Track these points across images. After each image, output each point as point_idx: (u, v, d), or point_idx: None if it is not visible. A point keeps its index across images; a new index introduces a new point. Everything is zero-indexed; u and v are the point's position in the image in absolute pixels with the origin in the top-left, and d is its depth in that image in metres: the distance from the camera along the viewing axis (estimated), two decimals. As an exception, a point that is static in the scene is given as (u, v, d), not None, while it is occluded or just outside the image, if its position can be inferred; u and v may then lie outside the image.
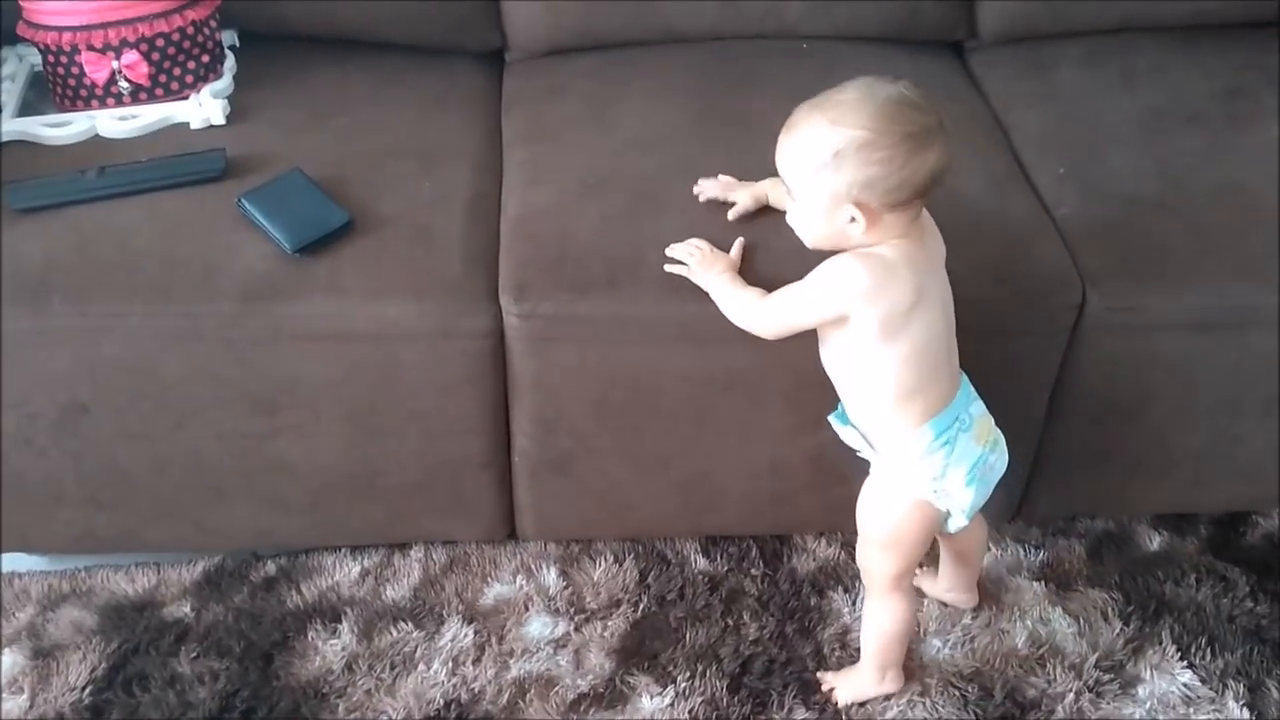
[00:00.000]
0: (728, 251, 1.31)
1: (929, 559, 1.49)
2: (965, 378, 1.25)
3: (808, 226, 1.17)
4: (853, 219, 1.12)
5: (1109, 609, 1.54)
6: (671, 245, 1.32)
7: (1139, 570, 1.60)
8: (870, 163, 1.08)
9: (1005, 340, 1.38)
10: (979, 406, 1.25)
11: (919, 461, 1.21)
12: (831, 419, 1.29)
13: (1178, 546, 1.65)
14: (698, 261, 1.29)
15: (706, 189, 1.39)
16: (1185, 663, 1.49)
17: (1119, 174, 1.49)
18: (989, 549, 1.62)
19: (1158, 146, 1.53)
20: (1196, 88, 1.64)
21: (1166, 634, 1.52)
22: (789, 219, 1.19)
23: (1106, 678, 1.47)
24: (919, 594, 1.52)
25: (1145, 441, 1.50)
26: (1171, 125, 1.57)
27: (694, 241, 1.32)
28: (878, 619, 1.37)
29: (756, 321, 1.24)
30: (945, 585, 1.51)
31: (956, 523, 1.27)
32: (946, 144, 1.11)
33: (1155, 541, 1.65)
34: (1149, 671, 1.48)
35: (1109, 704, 1.45)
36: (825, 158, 1.09)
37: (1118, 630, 1.52)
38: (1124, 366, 1.42)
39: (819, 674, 1.46)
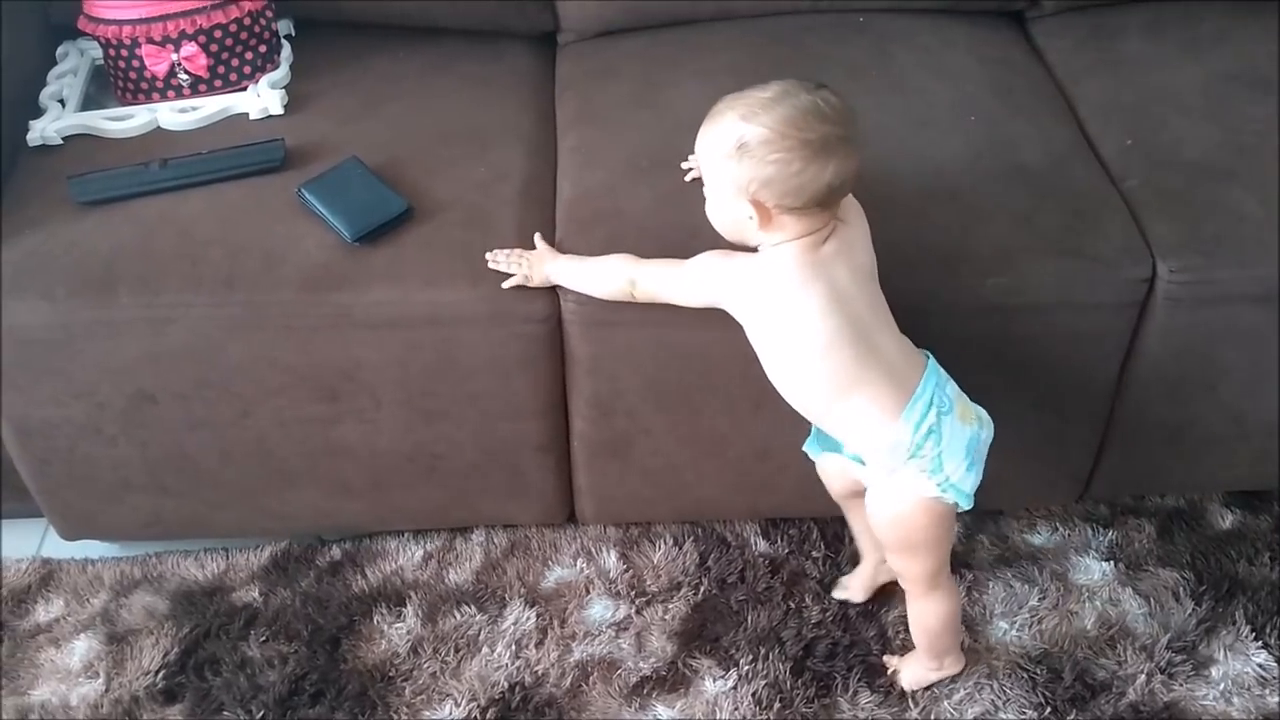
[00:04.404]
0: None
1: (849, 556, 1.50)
2: (932, 360, 1.21)
3: (715, 215, 1.18)
4: (750, 216, 1.12)
5: (1180, 589, 1.51)
6: (488, 256, 1.32)
7: (1211, 549, 1.57)
8: (767, 161, 1.09)
9: (1073, 314, 1.35)
10: (954, 387, 1.21)
11: (909, 460, 1.17)
12: (806, 449, 1.28)
13: (1251, 524, 1.61)
14: (526, 265, 1.30)
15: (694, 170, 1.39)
16: (1260, 643, 1.46)
17: (1187, 143, 1.45)
18: (1057, 528, 1.59)
19: (1226, 114, 1.49)
20: (1264, 53, 1.59)
21: (1240, 614, 1.48)
22: (706, 207, 1.19)
23: (1179, 659, 1.44)
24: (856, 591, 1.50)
25: (1217, 416, 1.47)
26: (1240, 92, 1.53)
27: (511, 250, 1.32)
28: (923, 619, 1.35)
29: (624, 286, 1.25)
30: (872, 564, 1.47)
31: (962, 507, 1.22)
32: (849, 158, 1.11)
33: (1227, 519, 1.62)
34: (1222, 652, 1.45)
35: (1181, 686, 1.42)
36: (730, 149, 1.10)
37: (1190, 610, 1.49)
38: (1195, 340, 1.38)
39: (885, 657, 1.44)
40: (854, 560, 1.53)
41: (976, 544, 1.58)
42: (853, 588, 1.50)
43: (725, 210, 1.15)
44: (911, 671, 1.42)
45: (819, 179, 1.10)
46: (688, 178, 1.38)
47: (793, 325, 1.16)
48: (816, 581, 1.53)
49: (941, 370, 1.21)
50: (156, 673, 1.45)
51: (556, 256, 1.31)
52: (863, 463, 1.23)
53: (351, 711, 1.41)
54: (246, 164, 1.40)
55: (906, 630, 1.46)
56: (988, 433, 1.22)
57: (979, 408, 1.23)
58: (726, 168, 1.12)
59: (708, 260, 1.20)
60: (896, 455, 1.18)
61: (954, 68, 1.58)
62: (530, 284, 1.30)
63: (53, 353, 1.33)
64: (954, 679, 1.42)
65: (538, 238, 1.34)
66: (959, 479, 1.19)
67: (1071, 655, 1.45)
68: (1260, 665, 1.43)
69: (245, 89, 1.53)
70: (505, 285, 1.31)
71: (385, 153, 1.43)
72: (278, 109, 1.50)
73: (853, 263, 1.17)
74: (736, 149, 1.10)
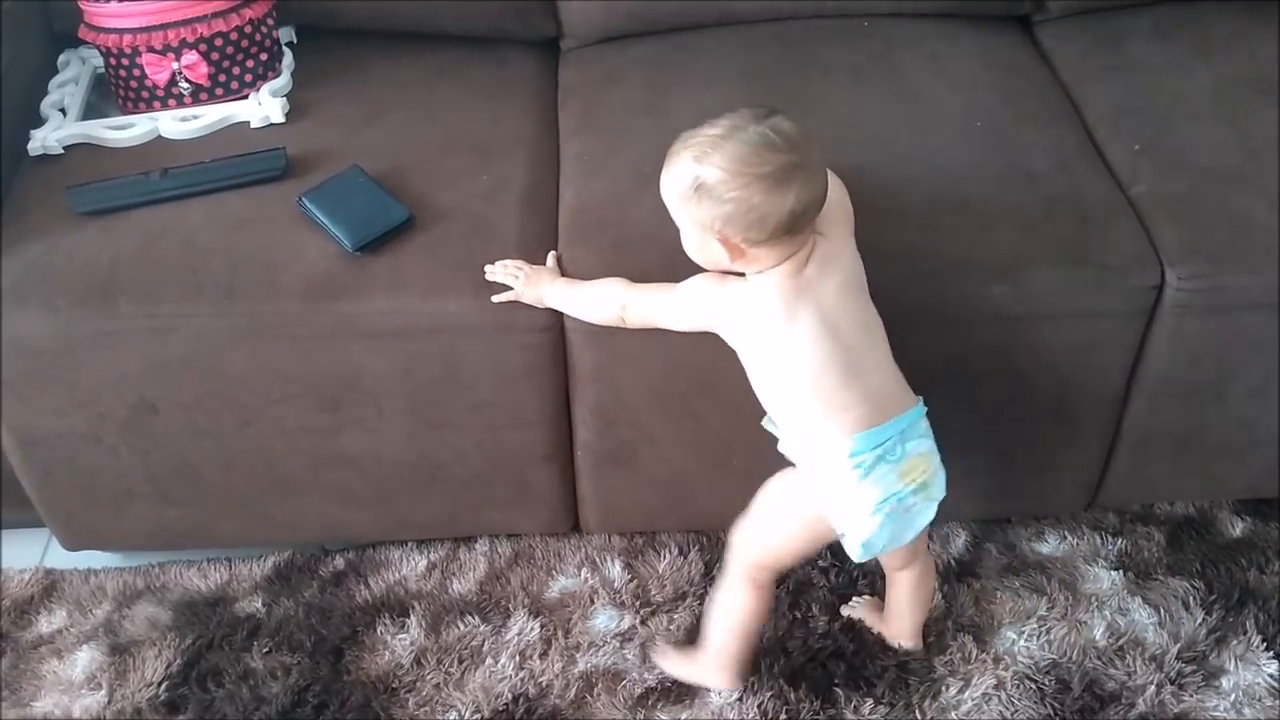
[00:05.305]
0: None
1: (879, 590, 1.47)
2: (922, 414, 1.19)
3: (691, 252, 1.19)
4: (721, 252, 1.14)
5: (1190, 598, 1.50)
6: (488, 268, 1.31)
7: (1221, 557, 1.56)
8: (724, 200, 1.10)
9: (1081, 322, 1.34)
10: (921, 446, 1.19)
11: (832, 468, 1.17)
12: (764, 422, 1.28)
13: (1261, 532, 1.60)
14: (522, 280, 1.29)
15: None
16: (1271, 653, 1.44)
17: (1196, 148, 1.44)
18: (1065, 537, 1.58)
19: (1235, 119, 1.48)
20: (1273, 57, 1.58)
21: (1251, 623, 1.47)
22: (682, 243, 1.20)
23: (1189, 669, 1.43)
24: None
25: (1226, 424, 1.46)
26: (1249, 96, 1.52)
27: (511, 262, 1.31)
28: (724, 603, 1.34)
29: (616, 311, 1.25)
30: (888, 627, 1.45)
31: (852, 552, 1.21)
32: (809, 182, 1.10)
33: (1238, 527, 1.61)
34: (1233, 662, 1.44)
35: (1192, 696, 1.41)
36: (688, 190, 1.12)
37: (1200, 620, 1.48)
38: (1204, 347, 1.37)
39: (659, 644, 1.45)
40: (867, 577, 1.52)
41: (984, 553, 1.57)
42: (865, 612, 1.48)
43: (697, 248, 1.17)
44: (687, 665, 1.40)
45: (780, 209, 1.09)
46: None
47: (782, 353, 1.17)
48: (823, 590, 1.52)
49: (923, 425, 1.20)
50: (159, 684, 1.44)
51: (556, 278, 1.30)
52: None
53: (354, 723, 1.40)
54: (248, 173, 1.40)
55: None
56: (921, 503, 1.19)
57: (937, 484, 1.20)
58: (688, 208, 1.13)
59: (699, 285, 1.20)
60: (825, 459, 1.18)
61: (960, 73, 1.57)
62: (520, 299, 1.29)
63: (54, 363, 1.33)
64: (962, 690, 1.41)
65: (551, 257, 1.33)
66: (859, 517, 1.17)
67: (1080, 665, 1.43)
68: (1271, 675, 1.42)
69: (246, 97, 1.53)
70: (495, 298, 1.30)
71: (387, 161, 1.42)
72: (279, 117, 1.50)
73: (838, 277, 1.17)
74: (694, 190, 1.11)
